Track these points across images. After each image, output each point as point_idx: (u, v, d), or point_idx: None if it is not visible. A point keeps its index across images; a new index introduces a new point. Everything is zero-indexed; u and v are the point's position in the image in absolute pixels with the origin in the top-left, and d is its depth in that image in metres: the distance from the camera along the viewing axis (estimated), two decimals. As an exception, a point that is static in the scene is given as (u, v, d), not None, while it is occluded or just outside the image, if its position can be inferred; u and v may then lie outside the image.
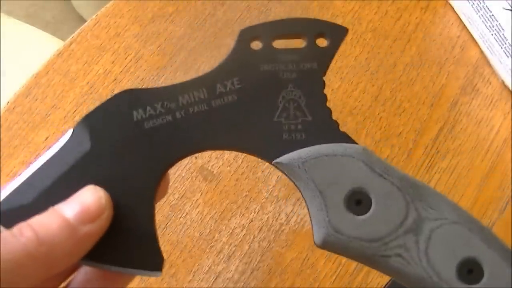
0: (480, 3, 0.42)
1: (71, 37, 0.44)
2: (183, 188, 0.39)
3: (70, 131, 0.24)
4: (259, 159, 0.24)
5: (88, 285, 0.26)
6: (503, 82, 0.44)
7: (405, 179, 0.23)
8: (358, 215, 0.23)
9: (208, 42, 0.44)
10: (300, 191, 0.24)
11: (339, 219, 0.23)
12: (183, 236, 0.38)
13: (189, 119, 0.24)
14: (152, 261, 0.24)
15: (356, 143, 0.24)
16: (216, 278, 0.37)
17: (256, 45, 0.24)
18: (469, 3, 0.44)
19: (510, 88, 0.43)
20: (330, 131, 0.24)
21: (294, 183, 0.24)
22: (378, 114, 0.42)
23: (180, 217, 0.39)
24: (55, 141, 0.24)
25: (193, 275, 0.37)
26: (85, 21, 0.45)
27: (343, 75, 0.43)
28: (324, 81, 0.24)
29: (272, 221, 0.39)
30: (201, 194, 0.39)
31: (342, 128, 0.24)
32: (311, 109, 0.24)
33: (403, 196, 0.23)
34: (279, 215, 0.39)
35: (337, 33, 0.25)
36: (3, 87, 0.61)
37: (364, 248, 0.23)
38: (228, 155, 0.40)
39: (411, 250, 0.22)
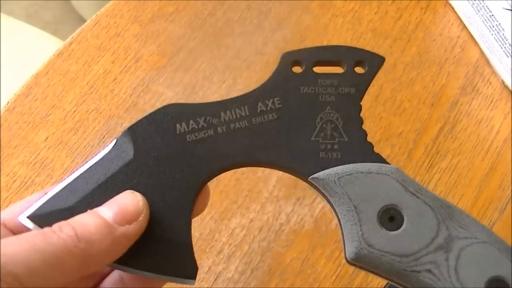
0: (480, 3, 0.42)
1: (71, 37, 0.44)
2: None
3: (113, 141, 0.25)
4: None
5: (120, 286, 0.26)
6: (503, 82, 0.44)
7: (437, 199, 0.24)
8: (390, 230, 0.24)
9: (208, 42, 0.44)
10: (333, 207, 0.25)
11: (372, 233, 0.23)
12: (183, 236, 0.38)
13: (230, 134, 0.25)
14: (186, 269, 0.25)
15: (389, 164, 0.25)
16: (216, 278, 0.37)
17: (297, 69, 0.26)
18: (469, 3, 0.44)
19: (510, 88, 0.43)
20: (364, 152, 0.25)
21: (328, 199, 0.25)
22: (378, 114, 0.42)
23: (180, 217, 0.39)
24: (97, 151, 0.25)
25: (193, 275, 0.37)
26: (85, 21, 0.45)
27: (343, 75, 0.43)
28: (360, 105, 0.25)
29: (272, 221, 0.39)
30: (201, 194, 0.39)
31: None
32: (348, 131, 0.25)
33: (435, 215, 0.24)
34: (279, 215, 0.39)
35: (374, 62, 0.26)
36: (3, 87, 0.61)
37: (395, 262, 0.23)
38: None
39: (441, 267, 0.23)
